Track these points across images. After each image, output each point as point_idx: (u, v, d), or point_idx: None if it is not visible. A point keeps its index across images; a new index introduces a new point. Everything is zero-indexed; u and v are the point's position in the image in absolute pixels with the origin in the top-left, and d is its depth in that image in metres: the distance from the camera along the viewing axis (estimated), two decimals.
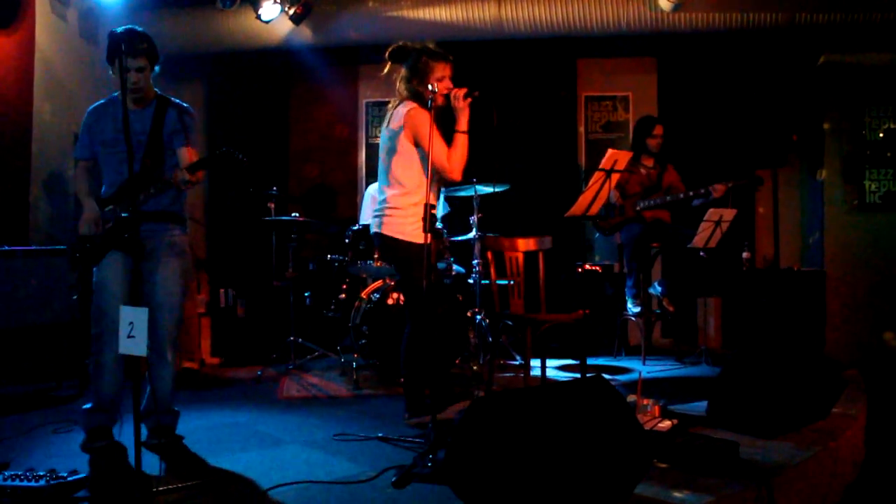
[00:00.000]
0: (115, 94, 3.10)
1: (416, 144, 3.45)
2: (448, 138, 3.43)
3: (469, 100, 3.31)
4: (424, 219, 3.05)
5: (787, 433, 3.10)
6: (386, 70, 3.59)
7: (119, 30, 2.90)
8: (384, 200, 3.54)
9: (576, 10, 5.53)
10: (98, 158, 3.10)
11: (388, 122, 3.54)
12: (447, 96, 3.36)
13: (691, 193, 5.31)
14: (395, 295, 4.72)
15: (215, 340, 6.32)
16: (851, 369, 4.62)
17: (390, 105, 3.59)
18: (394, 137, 3.49)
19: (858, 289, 5.87)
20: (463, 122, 3.37)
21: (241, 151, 3.01)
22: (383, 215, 3.53)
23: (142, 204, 2.96)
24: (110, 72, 3.03)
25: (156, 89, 3.14)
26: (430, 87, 3.28)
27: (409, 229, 3.47)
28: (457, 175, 3.42)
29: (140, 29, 3.02)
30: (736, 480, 2.54)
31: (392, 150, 3.50)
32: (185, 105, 3.17)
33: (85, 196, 3.08)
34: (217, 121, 6.59)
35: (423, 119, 3.33)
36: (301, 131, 6.75)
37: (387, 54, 3.55)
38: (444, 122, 3.43)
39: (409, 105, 3.45)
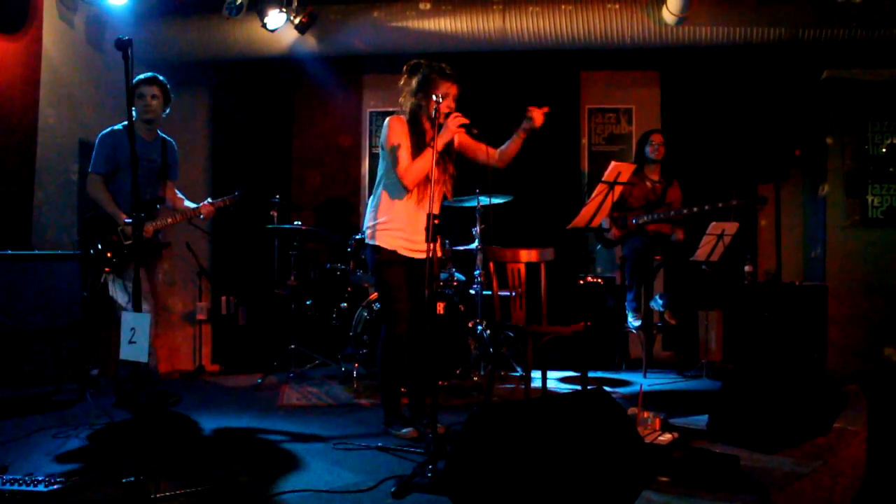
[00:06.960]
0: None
1: (383, 148, 3.59)
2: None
3: (462, 129, 3.40)
4: (427, 229, 3.06)
5: (787, 448, 3.09)
6: (402, 82, 3.63)
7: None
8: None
9: (579, 23, 5.54)
10: (116, 175, 3.99)
11: None
12: (447, 115, 3.43)
13: (684, 212, 5.31)
14: None
15: (216, 347, 6.33)
16: (852, 384, 4.61)
17: None
18: (382, 148, 3.63)
19: (860, 304, 5.85)
20: (441, 142, 3.40)
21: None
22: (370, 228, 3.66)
23: (158, 213, 4.14)
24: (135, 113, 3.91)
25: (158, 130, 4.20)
26: (434, 97, 3.37)
27: (371, 233, 3.61)
28: (409, 185, 3.50)
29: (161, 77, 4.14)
30: (736, 495, 2.53)
31: (382, 162, 3.65)
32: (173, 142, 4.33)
33: (113, 204, 3.97)
34: (221, 128, 6.60)
35: (393, 125, 3.52)
36: (304, 140, 6.75)
37: (405, 68, 3.62)
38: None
39: (390, 117, 3.58)
